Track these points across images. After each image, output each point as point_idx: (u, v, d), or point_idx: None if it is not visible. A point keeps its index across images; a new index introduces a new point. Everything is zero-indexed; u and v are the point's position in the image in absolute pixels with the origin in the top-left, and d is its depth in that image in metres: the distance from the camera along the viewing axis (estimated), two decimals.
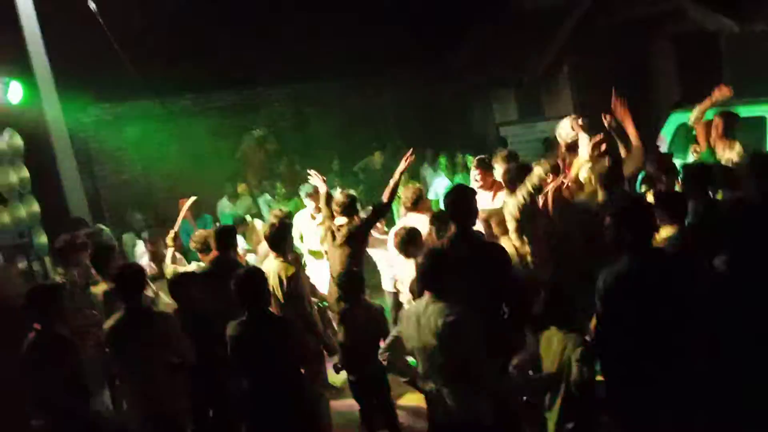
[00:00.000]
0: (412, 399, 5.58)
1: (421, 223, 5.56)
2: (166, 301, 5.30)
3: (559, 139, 5.79)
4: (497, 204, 5.66)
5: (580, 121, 5.45)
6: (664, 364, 3.21)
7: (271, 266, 5.17)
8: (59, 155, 7.79)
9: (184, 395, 4.48)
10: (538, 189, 4.70)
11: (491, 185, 6.06)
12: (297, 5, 12.13)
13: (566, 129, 5.65)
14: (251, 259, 7.03)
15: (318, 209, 6.58)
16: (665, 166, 5.67)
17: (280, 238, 5.31)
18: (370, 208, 6.26)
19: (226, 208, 9.80)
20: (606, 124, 5.38)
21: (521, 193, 4.71)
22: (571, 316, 3.73)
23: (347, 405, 5.43)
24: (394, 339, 5.13)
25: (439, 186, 9.22)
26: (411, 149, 5.96)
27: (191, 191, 7.22)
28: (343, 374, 5.15)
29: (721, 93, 5.98)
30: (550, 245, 4.80)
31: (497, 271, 4.00)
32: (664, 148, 7.67)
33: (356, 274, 5.06)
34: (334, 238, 5.85)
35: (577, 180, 5.37)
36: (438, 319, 3.46)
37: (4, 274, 6.57)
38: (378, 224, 6.22)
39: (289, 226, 5.69)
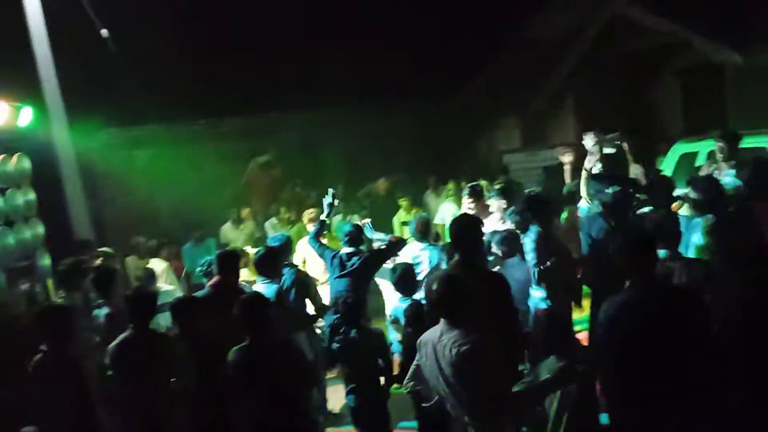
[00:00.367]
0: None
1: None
2: None
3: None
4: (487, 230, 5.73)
5: (565, 154, 5.59)
6: (665, 393, 3.20)
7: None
8: (66, 179, 7.88)
9: (183, 422, 4.45)
10: None
11: (483, 212, 6.11)
12: (309, 33, 12.32)
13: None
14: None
15: None
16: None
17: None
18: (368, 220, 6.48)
19: (228, 232, 9.85)
20: None
21: None
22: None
23: None
24: (417, 368, 5.11)
25: (446, 211, 9.26)
26: None
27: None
28: (343, 400, 5.11)
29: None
30: None
31: (500, 300, 4.01)
32: None
33: (356, 300, 5.04)
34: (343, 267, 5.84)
35: None
36: (453, 349, 3.41)
37: (6, 296, 6.56)
38: None
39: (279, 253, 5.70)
